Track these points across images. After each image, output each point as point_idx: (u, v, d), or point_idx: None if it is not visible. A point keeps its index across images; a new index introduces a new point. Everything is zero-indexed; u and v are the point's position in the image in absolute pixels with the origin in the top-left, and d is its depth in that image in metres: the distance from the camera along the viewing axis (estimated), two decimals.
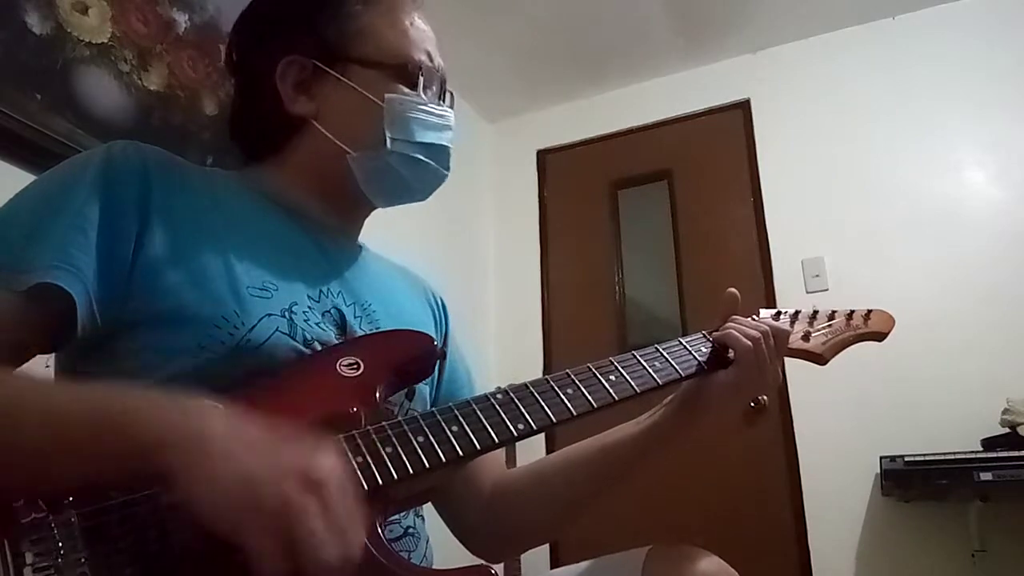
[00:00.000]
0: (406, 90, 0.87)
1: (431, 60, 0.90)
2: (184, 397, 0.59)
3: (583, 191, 3.35)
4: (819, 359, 0.89)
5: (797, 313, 0.94)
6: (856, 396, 2.54)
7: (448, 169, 0.92)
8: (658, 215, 3.18)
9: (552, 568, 0.99)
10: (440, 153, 0.90)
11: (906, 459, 2.23)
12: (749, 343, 0.82)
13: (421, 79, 0.88)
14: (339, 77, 0.86)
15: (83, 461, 0.56)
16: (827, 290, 2.75)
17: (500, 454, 0.94)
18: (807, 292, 2.78)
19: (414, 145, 0.87)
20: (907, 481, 2.25)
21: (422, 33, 0.91)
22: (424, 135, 0.88)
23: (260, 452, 0.54)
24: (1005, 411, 2.27)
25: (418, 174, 0.89)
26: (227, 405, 0.61)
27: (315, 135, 0.87)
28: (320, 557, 0.51)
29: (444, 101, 0.92)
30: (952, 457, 2.16)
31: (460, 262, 3.14)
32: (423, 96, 0.88)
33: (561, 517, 0.94)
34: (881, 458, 2.31)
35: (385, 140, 0.85)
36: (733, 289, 0.90)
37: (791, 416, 2.70)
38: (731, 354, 0.84)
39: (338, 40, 0.87)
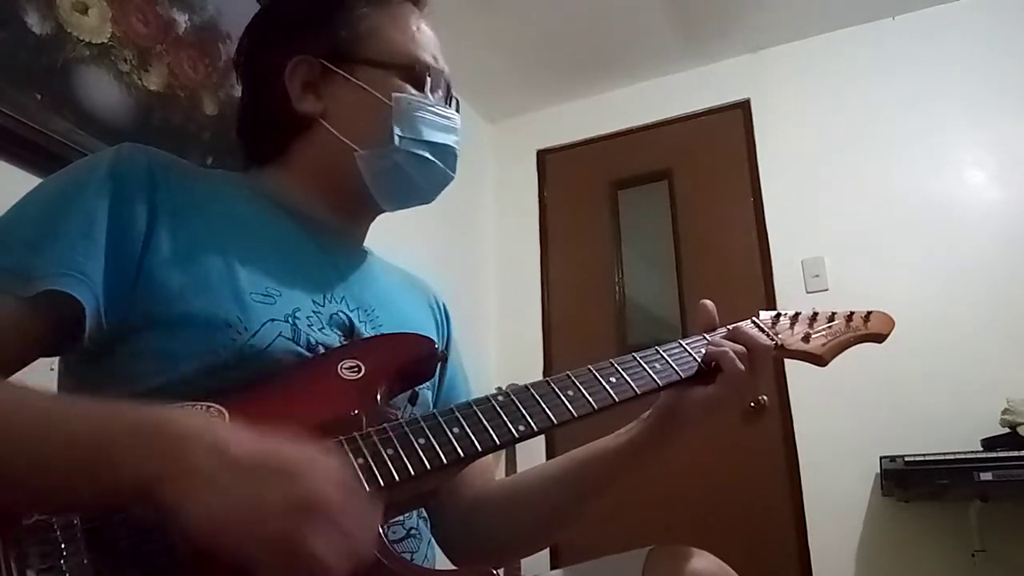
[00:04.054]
0: (413, 90, 0.88)
1: (437, 64, 0.91)
2: (179, 412, 0.58)
3: (583, 191, 3.35)
4: (819, 361, 0.89)
5: (797, 315, 0.94)
6: (856, 396, 2.54)
7: (454, 171, 0.92)
8: (658, 215, 3.18)
9: (552, 569, 0.98)
10: (447, 154, 0.91)
11: (906, 459, 2.23)
12: (741, 367, 0.80)
13: (428, 80, 0.89)
14: (347, 76, 0.87)
15: (77, 491, 0.55)
16: (827, 290, 2.75)
17: (489, 465, 0.94)
18: (807, 292, 2.78)
19: (422, 144, 0.88)
20: (907, 481, 2.25)
21: (428, 37, 0.92)
22: (431, 134, 0.88)
23: (257, 480, 0.53)
24: (1005, 411, 2.27)
25: (425, 174, 0.89)
26: (229, 409, 0.60)
27: (322, 134, 0.87)
28: (328, 565, 0.52)
29: (450, 105, 0.92)
30: (952, 457, 2.16)
31: (460, 262, 3.13)
32: (430, 97, 0.89)
33: (538, 532, 0.93)
34: (881, 458, 2.31)
35: (393, 137, 0.86)
36: (707, 301, 0.89)
37: (791, 416, 2.70)
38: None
39: (346, 41, 0.88)
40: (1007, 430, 2.24)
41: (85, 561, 0.53)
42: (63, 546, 0.53)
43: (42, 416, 0.58)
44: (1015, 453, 2.11)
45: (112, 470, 0.54)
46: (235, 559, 0.51)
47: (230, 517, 0.52)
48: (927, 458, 2.19)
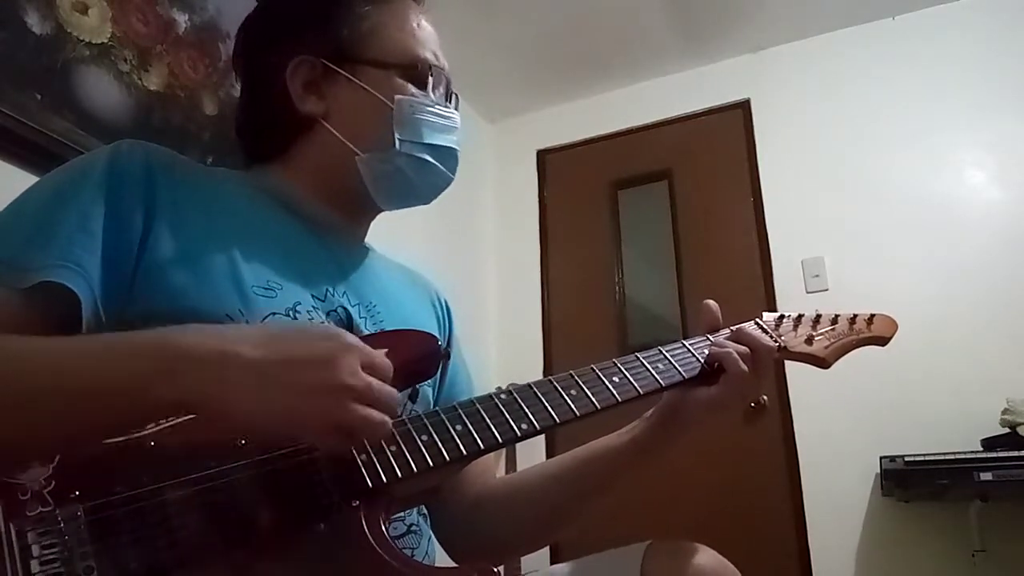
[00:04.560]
0: (415, 90, 0.88)
1: (437, 61, 0.91)
2: (193, 334, 0.60)
3: (583, 191, 3.36)
4: (822, 363, 0.89)
5: (800, 317, 0.94)
6: (856, 396, 2.54)
7: (454, 173, 0.92)
8: (658, 215, 3.18)
9: (552, 564, 0.98)
10: (447, 156, 0.91)
11: (906, 459, 2.23)
12: (744, 368, 0.80)
13: (430, 79, 0.89)
14: (349, 77, 0.87)
15: (112, 417, 0.58)
16: (827, 290, 2.75)
17: (490, 463, 0.94)
18: (807, 292, 2.78)
19: (422, 146, 0.88)
20: (907, 481, 2.25)
21: (428, 34, 0.92)
22: (432, 136, 0.88)
23: (291, 373, 0.58)
24: (1005, 411, 2.27)
25: (424, 176, 0.90)
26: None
27: (324, 135, 0.87)
28: (374, 432, 0.60)
29: (450, 102, 0.92)
30: (952, 457, 2.16)
31: (460, 262, 3.13)
32: (432, 96, 0.89)
33: (539, 530, 0.93)
34: (881, 458, 2.31)
35: (394, 141, 0.86)
36: (711, 301, 0.89)
37: (791, 416, 2.70)
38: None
39: (348, 40, 0.88)
40: (1007, 430, 2.25)
41: (88, 552, 0.53)
42: (66, 537, 0.53)
43: (64, 352, 0.60)
44: (1015, 453, 2.11)
45: (144, 398, 0.56)
46: (286, 436, 0.60)
47: (276, 412, 0.58)
48: (927, 458, 2.19)
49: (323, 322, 0.79)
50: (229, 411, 0.57)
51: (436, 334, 0.94)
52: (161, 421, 0.60)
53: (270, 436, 0.61)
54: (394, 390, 0.62)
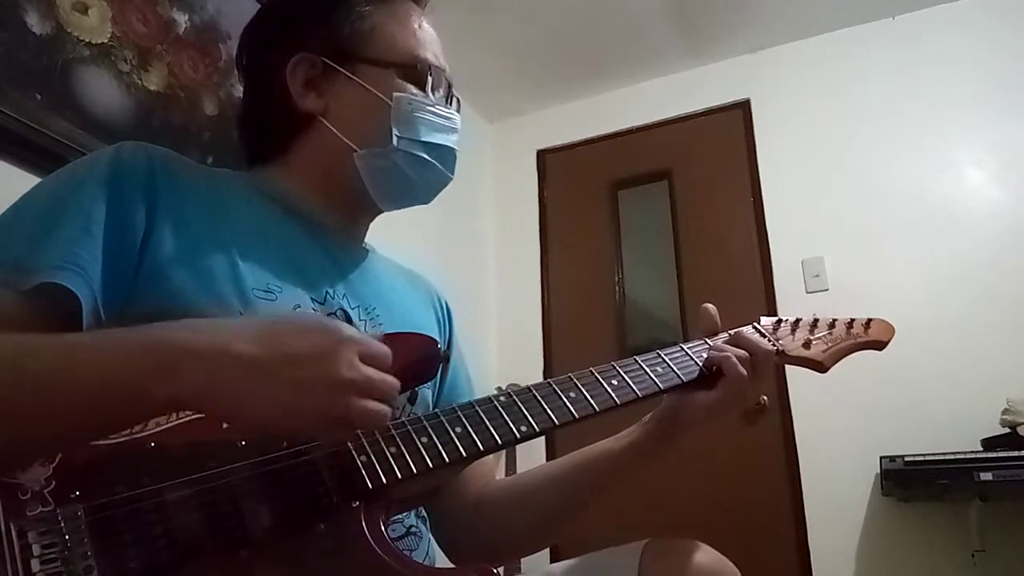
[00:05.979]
0: (414, 90, 0.88)
1: (438, 62, 0.91)
2: (190, 332, 0.59)
3: (583, 191, 3.36)
4: (820, 367, 0.89)
5: (798, 321, 0.94)
6: (856, 396, 2.54)
7: (452, 172, 0.93)
8: (658, 215, 3.18)
9: (552, 562, 0.98)
10: (446, 155, 0.91)
11: (906, 459, 2.23)
12: (743, 372, 0.80)
13: (430, 79, 0.89)
14: (349, 75, 0.87)
15: (107, 393, 0.56)
16: (827, 290, 2.76)
17: (490, 466, 0.94)
18: (807, 292, 2.78)
19: (420, 144, 0.88)
20: (907, 481, 2.26)
21: (429, 35, 0.92)
22: (430, 135, 0.89)
23: (288, 371, 0.57)
24: (1005, 411, 2.27)
25: (423, 175, 0.90)
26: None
27: (323, 133, 0.88)
28: (374, 423, 0.60)
29: (451, 104, 0.93)
30: (952, 457, 2.16)
31: (460, 262, 3.14)
32: (431, 97, 0.89)
33: (539, 532, 0.94)
34: (881, 458, 2.31)
35: (392, 138, 0.86)
36: (709, 305, 0.89)
37: (791, 416, 2.70)
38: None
39: (348, 39, 0.88)
40: (1007, 430, 2.25)
41: (88, 552, 0.53)
42: (67, 536, 0.53)
43: (63, 351, 0.59)
44: (1015, 453, 2.11)
45: (142, 397, 0.56)
46: (286, 429, 0.61)
47: (275, 409, 0.57)
48: (927, 458, 2.19)
49: None
50: (227, 409, 0.58)
51: (436, 336, 0.94)
52: (161, 420, 0.60)
53: (270, 433, 0.61)
54: (393, 379, 0.62)
